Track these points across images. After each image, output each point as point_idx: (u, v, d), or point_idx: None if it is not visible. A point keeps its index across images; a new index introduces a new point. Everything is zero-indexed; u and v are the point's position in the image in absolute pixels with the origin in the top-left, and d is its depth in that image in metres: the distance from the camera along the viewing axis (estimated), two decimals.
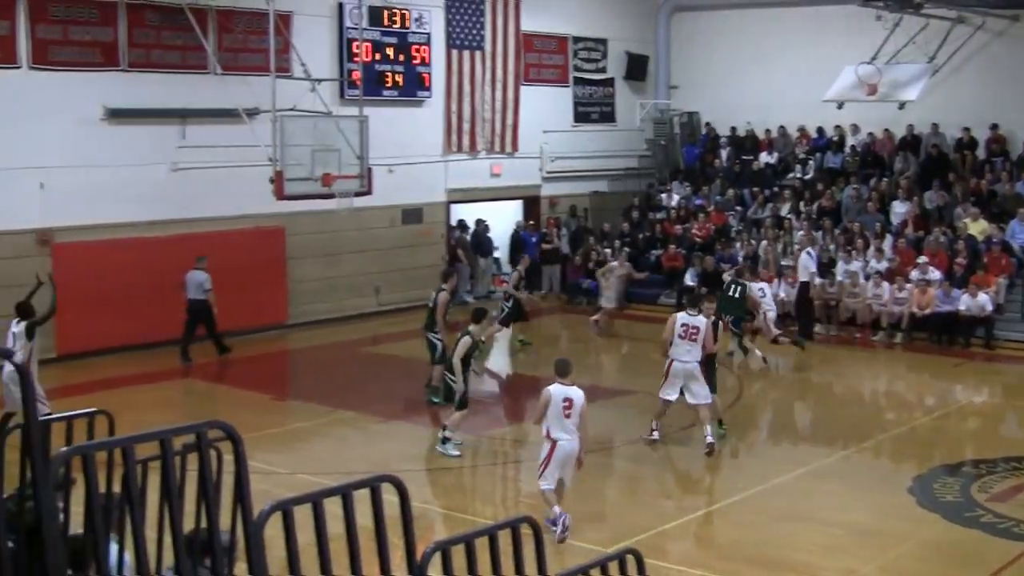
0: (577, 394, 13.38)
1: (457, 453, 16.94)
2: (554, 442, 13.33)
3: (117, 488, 5.27)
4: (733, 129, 34.90)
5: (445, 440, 17.01)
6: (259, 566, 4.35)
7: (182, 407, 19.52)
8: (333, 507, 4.54)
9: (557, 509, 13.21)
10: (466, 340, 16.76)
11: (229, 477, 4.87)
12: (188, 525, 4.84)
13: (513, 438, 18.47)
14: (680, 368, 16.80)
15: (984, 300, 24.42)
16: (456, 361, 16.81)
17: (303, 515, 4.39)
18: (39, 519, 4.43)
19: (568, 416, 13.25)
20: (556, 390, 13.38)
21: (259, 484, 14.46)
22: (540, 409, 13.51)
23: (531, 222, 32.47)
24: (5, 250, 22.40)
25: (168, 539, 4.64)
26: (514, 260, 31.62)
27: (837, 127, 32.30)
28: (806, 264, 26.19)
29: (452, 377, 17.25)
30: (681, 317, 16.94)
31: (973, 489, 15.15)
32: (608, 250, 30.66)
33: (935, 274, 24.99)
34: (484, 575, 4.98)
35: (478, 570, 4.92)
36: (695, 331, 16.68)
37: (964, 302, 24.53)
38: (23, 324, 16.93)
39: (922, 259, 25.27)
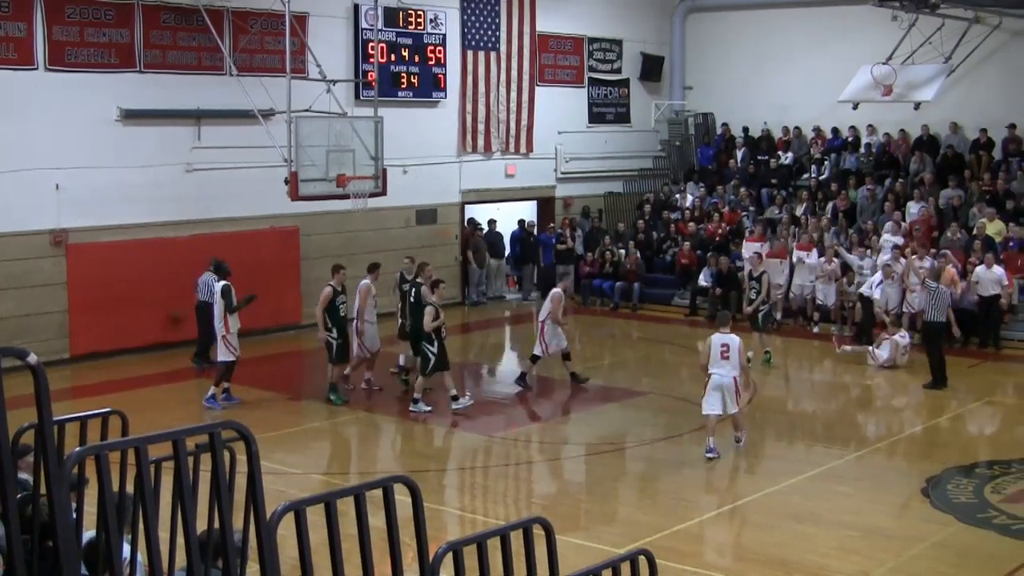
0: (733, 340, 16.45)
1: (428, 408, 19.33)
2: (709, 375, 16.40)
3: (130, 488, 5.29)
4: (746, 130, 34.82)
5: (416, 401, 19.33)
6: (271, 567, 4.36)
7: (196, 407, 19.54)
8: (346, 507, 4.55)
9: (711, 439, 16.51)
10: (429, 309, 18.87)
11: (242, 477, 4.89)
12: (201, 526, 4.86)
13: (526, 439, 18.49)
14: None
15: (999, 273, 24.37)
16: (426, 327, 18.85)
17: (316, 515, 4.41)
18: (52, 519, 4.44)
19: (726, 358, 16.28)
20: (716, 337, 16.54)
21: (272, 484, 14.53)
22: (704, 353, 16.78)
23: (551, 225, 32.43)
24: (20, 251, 22.47)
25: (181, 540, 4.66)
26: (521, 260, 31.73)
27: (852, 128, 32.26)
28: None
29: (429, 347, 18.97)
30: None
31: (987, 490, 15.12)
32: (623, 250, 30.69)
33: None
34: None
35: (490, 571, 4.93)
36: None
37: (978, 275, 24.39)
38: (220, 284, 19.74)
39: (947, 252, 25.07)
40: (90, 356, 23.10)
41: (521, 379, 21.35)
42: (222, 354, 19.61)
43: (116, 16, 23.48)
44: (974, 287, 24.52)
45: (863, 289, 24.46)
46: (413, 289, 20.50)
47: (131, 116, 23.75)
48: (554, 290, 21.47)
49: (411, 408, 19.28)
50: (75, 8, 22.88)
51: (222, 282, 19.76)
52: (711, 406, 16.46)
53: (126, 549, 5.54)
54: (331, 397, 19.93)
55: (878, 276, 24.66)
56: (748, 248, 27.50)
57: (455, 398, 19.30)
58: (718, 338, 16.52)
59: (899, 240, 26.38)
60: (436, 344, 18.94)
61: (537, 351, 21.10)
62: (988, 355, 24.23)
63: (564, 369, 21.43)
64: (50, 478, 4.46)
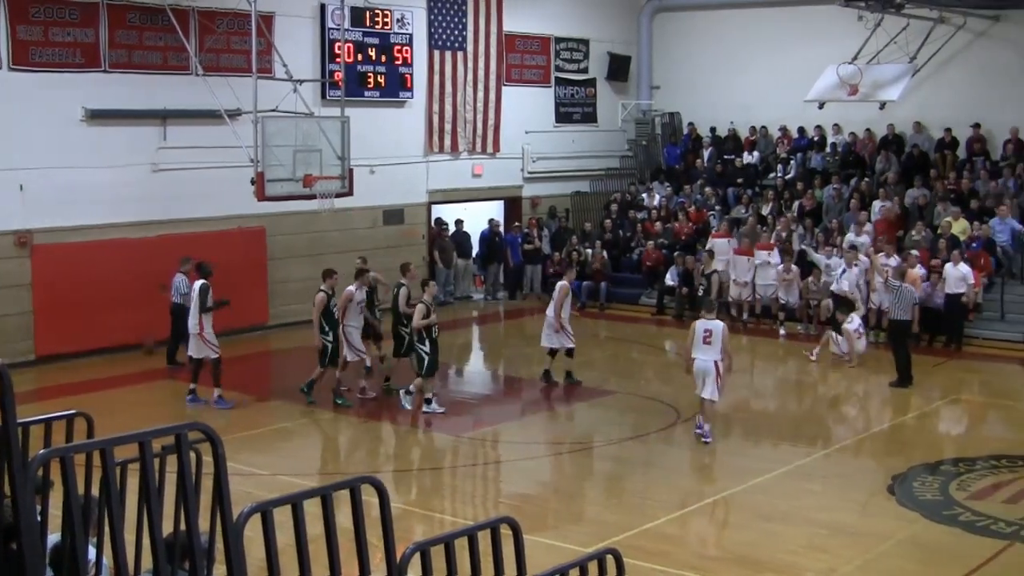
0: (716, 325, 17.03)
1: (409, 408, 19.33)
2: (692, 360, 17.06)
3: (96, 491, 5.27)
4: (713, 129, 34.93)
5: (408, 392, 19.41)
6: (238, 568, 4.34)
7: (162, 409, 19.46)
8: (313, 508, 4.54)
9: (699, 420, 17.41)
10: (419, 307, 18.78)
11: (209, 479, 4.87)
12: (167, 528, 4.84)
13: (493, 439, 18.48)
14: None
15: (965, 271, 24.48)
16: (415, 325, 18.87)
17: (283, 516, 4.39)
18: (17, 522, 4.42)
19: (708, 343, 16.87)
20: (699, 323, 17.17)
21: (239, 486, 14.47)
22: (689, 337, 17.35)
23: (516, 224, 32.46)
24: None
25: (147, 542, 4.64)
26: (486, 260, 31.66)
27: (818, 127, 32.41)
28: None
29: (421, 347, 18.86)
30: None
31: (952, 487, 15.21)
32: (590, 250, 30.69)
33: (920, 271, 24.89)
34: None
35: (457, 571, 4.93)
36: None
37: (947, 272, 24.52)
38: (199, 283, 19.67)
39: (914, 252, 25.18)
40: (55, 358, 22.95)
41: (568, 377, 21.38)
42: (201, 352, 19.55)
43: (81, 16, 23.33)
44: (942, 285, 24.64)
45: (833, 287, 24.49)
46: (398, 290, 20.39)
47: (96, 116, 23.60)
48: (560, 282, 21.48)
49: (424, 409, 19.13)
50: (39, 7, 22.72)
51: (200, 281, 19.68)
52: (699, 390, 17.21)
53: (91, 552, 5.51)
54: (305, 396, 19.91)
55: (841, 266, 24.79)
56: (715, 243, 27.66)
57: (428, 401, 19.19)
58: (702, 324, 17.14)
59: (863, 240, 26.47)
60: (428, 343, 18.85)
61: (569, 344, 21.15)
62: (953, 353, 24.37)
63: (546, 363, 21.43)
64: (15, 481, 4.43)
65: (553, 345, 21.16)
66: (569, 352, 21.21)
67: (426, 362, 18.90)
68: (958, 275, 24.51)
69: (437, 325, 19.21)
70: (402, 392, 19.52)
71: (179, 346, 22.26)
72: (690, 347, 17.23)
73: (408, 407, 19.30)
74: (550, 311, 21.10)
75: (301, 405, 19.80)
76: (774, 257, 26.90)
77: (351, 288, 20.24)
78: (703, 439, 17.25)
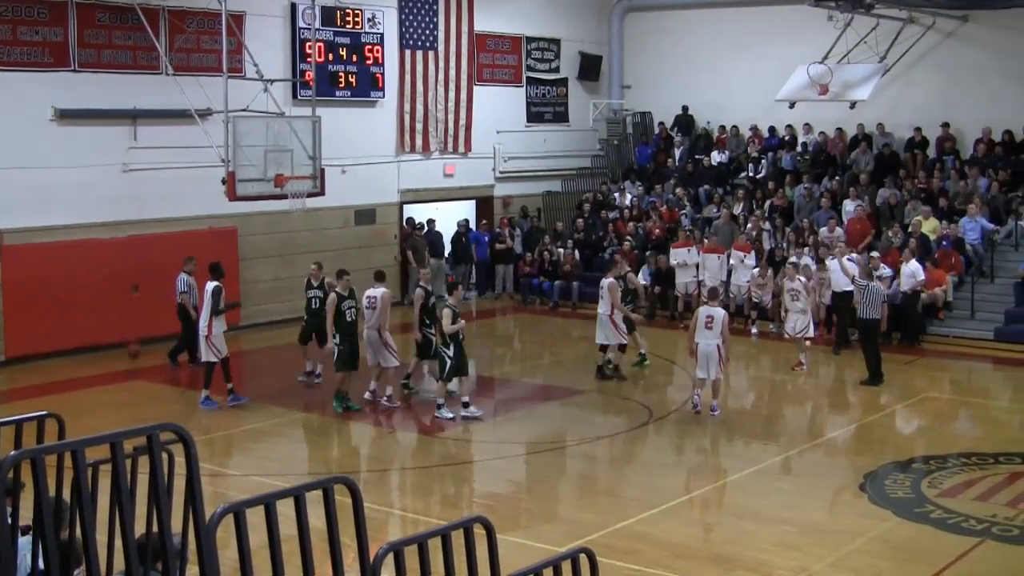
0: (718, 312, 18.72)
1: (451, 416, 18.83)
2: (696, 343, 18.55)
3: (67, 493, 5.24)
4: (684, 129, 35.03)
5: (440, 406, 18.98)
6: (211, 569, 4.33)
7: (133, 410, 19.37)
8: (286, 509, 4.53)
9: (696, 400, 18.83)
10: (446, 312, 18.49)
11: (181, 480, 4.85)
12: (139, 529, 4.82)
13: (466, 438, 18.46)
14: None
15: (915, 267, 24.65)
16: (447, 330, 18.50)
17: (255, 517, 4.38)
18: None
19: (710, 328, 18.41)
20: (702, 309, 18.90)
21: (211, 486, 14.42)
22: (692, 323, 19.03)
23: (484, 221, 32.46)
24: None
25: (119, 543, 4.61)
26: (458, 260, 31.62)
27: (789, 127, 32.52)
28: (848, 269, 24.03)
29: (446, 351, 18.63)
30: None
31: (923, 485, 15.27)
32: (562, 249, 30.72)
33: (886, 271, 25.01)
34: None
35: (431, 571, 4.92)
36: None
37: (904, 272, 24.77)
38: (212, 285, 19.41)
39: (875, 254, 25.27)
40: (26, 359, 22.84)
41: (598, 370, 21.71)
42: (204, 355, 19.51)
43: (50, 15, 23.22)
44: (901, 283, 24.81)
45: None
46: (415, 292, 20.18)
47: (66, 116, 23.49)
48: (608, 280, 21.42)
49: (436, 414, 18.87)
50: (7, 6, 22.60)
51: (213, 283, 19.53)
52: (700, 372, 18.71)
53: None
54: (335, 406, 19.49)
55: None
56: (675, 254, 27.61)
57: (439, 406, 18.96)
58: (704, 310, 18.84)
59: (838, 233, 26.62)
60: (454, 347, 18.59)
61: (614, 341, 21.37)
62: (924, 351, 24.47)
63: (606, 357, 21.63)
64: None
65: (610, 341, 21.38)
66: (623, 348, 21.75)
67: (448, 366, 18.64)
68: (907, 271, 24.66)
69: (463, 330, 18.98)
70: (436, 414, 19.15)
71: (182, 346, 22.55)
72: (693, 332, 18.71)
73: (450, 416, 18.91)
74: (603, 309, 21.20)
75: (272, 406, 19.75)
76: (750, 259, 26.92)
77: (387, 291, 19.72)
78: (713, 412, 18.76)
